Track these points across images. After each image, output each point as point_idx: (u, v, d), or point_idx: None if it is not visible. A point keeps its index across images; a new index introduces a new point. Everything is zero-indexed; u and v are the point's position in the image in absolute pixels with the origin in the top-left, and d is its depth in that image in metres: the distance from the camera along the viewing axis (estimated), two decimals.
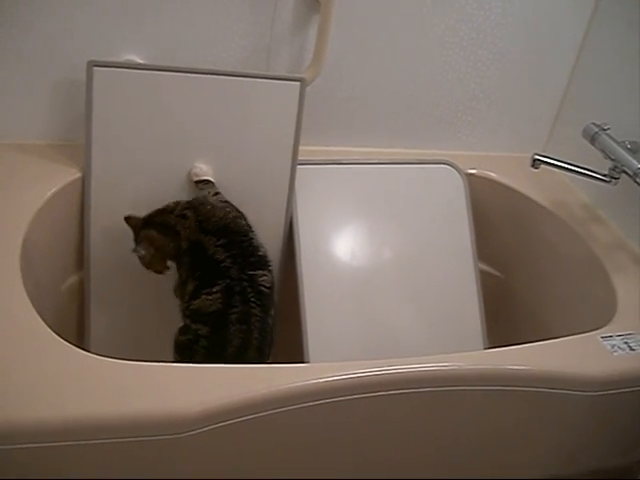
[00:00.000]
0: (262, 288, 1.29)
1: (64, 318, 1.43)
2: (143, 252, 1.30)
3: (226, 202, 1.37)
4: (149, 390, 0.99)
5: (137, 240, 1.32)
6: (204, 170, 1.42)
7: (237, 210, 1.36)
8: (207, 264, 1.28)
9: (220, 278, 1.26)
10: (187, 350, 1.26)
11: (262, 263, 1.32)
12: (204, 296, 1.26)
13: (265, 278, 1.30)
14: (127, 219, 1.34)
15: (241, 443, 1.07)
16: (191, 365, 1.07)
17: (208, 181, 1.41)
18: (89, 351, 1.04)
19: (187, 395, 0.99)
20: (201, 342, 1.25)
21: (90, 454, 0.96)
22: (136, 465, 1.02)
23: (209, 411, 0.99)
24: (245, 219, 1.36)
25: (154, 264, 1.32)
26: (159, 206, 1.36)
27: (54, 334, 1.06)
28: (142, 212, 1.39)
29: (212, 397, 1.00)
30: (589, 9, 1.67)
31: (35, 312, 1.09)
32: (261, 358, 1.29)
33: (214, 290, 1.26)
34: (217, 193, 1.39)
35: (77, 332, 1.46)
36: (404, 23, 1.56)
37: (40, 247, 1.30)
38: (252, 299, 1.27)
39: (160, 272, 1.33)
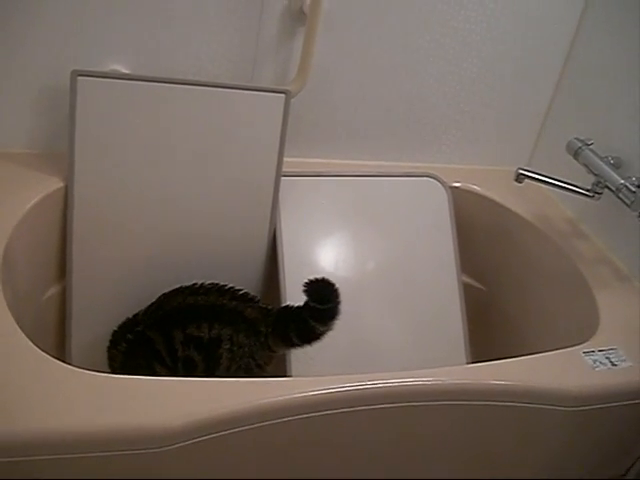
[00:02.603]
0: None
1: (44, 329, 1.42)
2: None
3: None
4: (130, 403, 0.98)
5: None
6: None
7: None
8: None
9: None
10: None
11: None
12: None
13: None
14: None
15: (223, 457, 1.07)
16: (174, 379, 1.06)
17: None
18: (70, 363, 1.03)
19: (169, 408, 0.99)
20: None
21: (69, 468, 0.95)
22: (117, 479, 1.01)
23: (191, 425, 0.98)
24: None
25: None
26: (142, 215, 1.38)
27: (34, 346, 1.04)
28: (125, 222, 1.39)
29: (194, 411, 0.99)
30: (574, 25, 1.68)
31: (15, 323, 1.08)
32: None
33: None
34: None
35: (58, 344, 1.45)
36: (389, 36, 1.56)
37: (21, 257, 1.29)
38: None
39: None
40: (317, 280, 1.28)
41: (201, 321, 1.30)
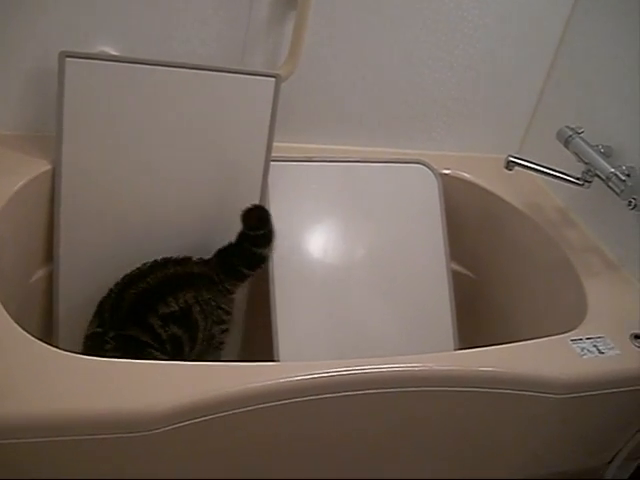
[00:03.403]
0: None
1: (32, 312, 1.41)
2: None
3: None
4: (118, 387, 0.98)
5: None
6: None
7: None
8: None
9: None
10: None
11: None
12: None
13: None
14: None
15: (211, 441, 1.06)
16: (161, 362, 1.06)
17: None
18: (57, 347, 1.02)
19: (156, 392, 0.98)
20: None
21: (55, 451, 0.95)
22: (103, 463, 1.01)
23: (178, 408, 0.98)
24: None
25: None
26: (129, 198, 1.39)
27: (20, 329, 1.04)
28: (113, 206, 1.38)
29: (182, 394, 0.99)
30: (566, 12, 1.68)
31: (1, 306, 1.07)
32: None
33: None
34: None
35: (45, 327, 1.44)
36: (381, 22, 1.56)
37: (8, 240, 1.28)
38: None
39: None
40: (250, 209, 1.36)
41: (165, 297, 1.31)
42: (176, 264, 1.38)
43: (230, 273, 1.40)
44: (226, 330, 1.41)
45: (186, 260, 1.40)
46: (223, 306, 1.39)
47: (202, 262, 1.41)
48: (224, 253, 1.41)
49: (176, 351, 1.31)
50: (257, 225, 1.36)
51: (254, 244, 1.37)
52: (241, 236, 1.38)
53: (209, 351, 1.39)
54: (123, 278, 1.35)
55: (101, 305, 1.33)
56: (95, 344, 1.27)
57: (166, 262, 1.38)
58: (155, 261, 1.38)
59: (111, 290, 1.34)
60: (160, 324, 1.29)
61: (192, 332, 1.33)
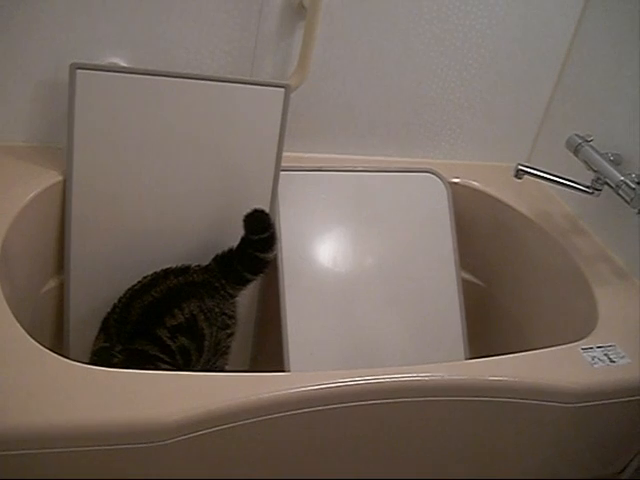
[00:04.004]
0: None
1: (43, 323, 1.42)
2: None
3: None
4: (128, 398, 0.98)
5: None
6: None
7: None
8: None
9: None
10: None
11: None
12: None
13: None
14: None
15: (221, 451, 1.06)
16: (171, 373, 1.06)
17: None
18: (68, 357, 1.03)
19: (167, 403, 0.98)
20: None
21: (65, 462, 0.95)
22: (114, 473, 1.00)
23: (189, 419, 0.98)
24: None
25: None
26: (140, 209, 1.39)
27: (32, 339, 1.04)
28: (124, 216, 1.39)
29: (192, 405, 0.99)
30: (574, 21, 1.68)
31: (13, 317, 1.07)
32: None
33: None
34: None
35: (56, 337, 1.45)
36: (390, 31, 1.56)
37: (19, 250, 1.29)
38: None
39: None
40: (251, 213, 1.37)
41: (171, 309, 1.32)
42: (177, 274, 1.38)
43: (233, 279, 1.40)
44: (231, 334, 1.42)
45: (185, 269, 1.40)
46: (227, 311, 1.39)
47: (201, 269, 1.41)
48: (226, 259, 1.41)
49: (185, 361, 1.31)
50: (260, 228, 1.37)
51: (258, 249, 1.37)
52: (244, 241, 1.38)
53: (216, 357, 1.40)
54: (126, 293, 1.36)
55: (106, 321, 1.34)
56: (103, 359, 1.27)
57: (167, 273, 1.39)
58: (155, 273, 1.39)
59: (115, 305, 1.35)
60: (169, 335, 1.29)
61: (199, 341, 1.34)
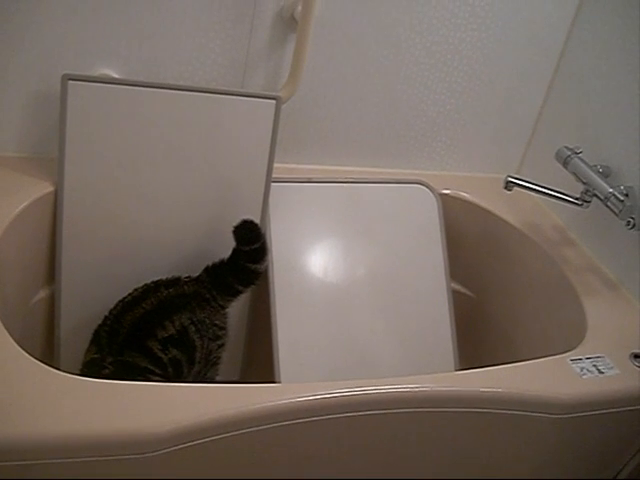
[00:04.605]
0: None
1: (33, 334, 1.42)
2: None
3: None
4: (120, 409, 0.98)
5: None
6: None
7: None
8: None
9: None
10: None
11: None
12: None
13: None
14: None
15: (212, 462, 1.07)
16: (161, 384, 1.06)
17: None
18: (58, 368, 1.03)
19: (157, 414, 0.99)
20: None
21: (56, 474, 0.95)
22: None
23: (180, 430, 0.98)
24: None
25: None
26: (132, 220, 1.39)
27: (22, 350, 1.04)
28: (115, 227, 1.39)
29: (182, 416, 0.99)
30: (564, 34, 1.70)
31: (2, 327, 1.07)
32: None
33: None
34: None
35: (46, 348, 1.45)
36: (380, 43, 1.57)
37: (10, 261, 1.29)
38: None
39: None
40: (241, 224, 1.37)
41: (162, 321, 1.32)
42: (167, 286, 1.38)
43: (224, 290, 1.40)
44: (222, 345, 1.42)
45: (176, 281, 1.40)
46: (217, 322, 1.39)
47: (192, 280, 1.41)
48: (217, 270, 1.41)
49: (176, 373, 1.31)
50: (251, 239, 1.37)
51: (249, 260, 1.38)
52: (235, 253, 1.39)
53: (207, 367, 1.40)
54: (117, 305, 1.36)
55: (97, 333, 1.34)
56: (93, 370, 1.27)
57: (157, 285, 1.38)
58: (146, 285, 1.39)
59: (106, 317, 1.34)
60: (160, 348, 1.29)
61: (191, 353, 1.34)
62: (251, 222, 1.38)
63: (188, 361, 1.33)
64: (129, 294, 1.37)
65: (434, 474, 1.28)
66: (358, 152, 1.72)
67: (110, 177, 1.38)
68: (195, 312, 1.35)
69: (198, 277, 1.41)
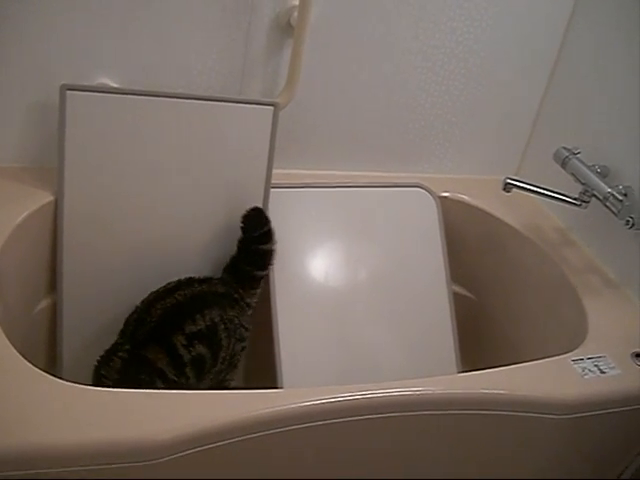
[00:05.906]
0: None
1: (35, 343, 1.42)
2: None
3: None
4: (121, 417, 0.98)
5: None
6: None
7: None
8: None
9: None
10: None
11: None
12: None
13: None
14: None
15: (215, 469, 1.06)
16: (164, 392, 1.06)
17: None
18: (61, 377, 1.03)
19: (159, 421, 0.99)
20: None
21: None
22: None
23: (182, 437, 0.98)
24: None
25: None
26: (132, 228, 1.40)
27: (24, 360, 1.04)
28: (115, 236, 1.39)
29: (185, 423, 0.99)
30: (560, 35, 1.70)
31: (5, 337, 1.08)
32: None
33: None
34: None
35: (49, 357, 1.45)
36: (377, 48, 1.57)
37: (11, 271, 1.29)
38: None
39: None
40: (248, 213, 1.42)
41: (193, 314, 1.32)
42: (201, 283, 1.39)
43: (246, 282, 1.43)
44: (244, 348, 1.43)
45: (208, 279, 1.41)
46: (244, 323, 1.40)
47: (219, 281, 1.42)
48: (233, 265, 1.44)
49: (197, 371, 1.30)
50: (260, 224, 1.42)
51: (260, 243, 1.42)
52: (244, 242, 1.42)
53: (229, 369, 1.40)
54: (149, 295, 1.36)
55: (127, 322, 1.34)
56: (107, 356, 1.27)
57: (191, 281, 1.39)
58: (179, 280, 1.39)
59: (137, 307, 1.35)
60: (184, 343, 1.28)
61: (215, 350, 1.33)
62: (257, 209, 1.43)
63: (212, 358, 1.32)
64: (163, 286, 1.38)
65: (438, 476, 1.28)
66: (357, 156, 1.72)
67: (110, 185, 1.39)
68: (226, 310, 1.36)
69: (221, 278, 1.43)
